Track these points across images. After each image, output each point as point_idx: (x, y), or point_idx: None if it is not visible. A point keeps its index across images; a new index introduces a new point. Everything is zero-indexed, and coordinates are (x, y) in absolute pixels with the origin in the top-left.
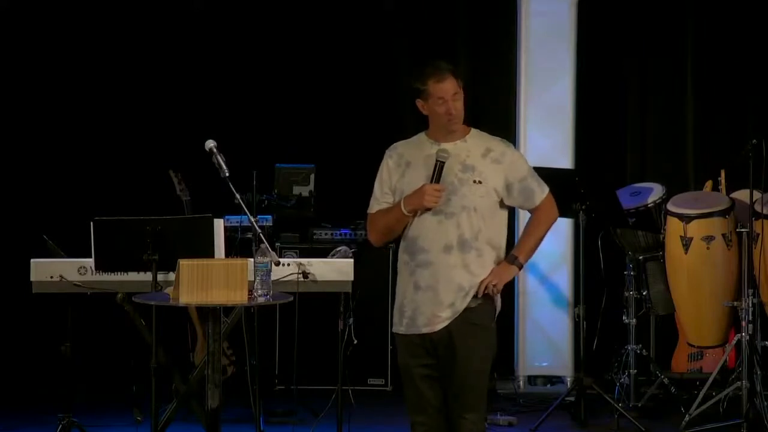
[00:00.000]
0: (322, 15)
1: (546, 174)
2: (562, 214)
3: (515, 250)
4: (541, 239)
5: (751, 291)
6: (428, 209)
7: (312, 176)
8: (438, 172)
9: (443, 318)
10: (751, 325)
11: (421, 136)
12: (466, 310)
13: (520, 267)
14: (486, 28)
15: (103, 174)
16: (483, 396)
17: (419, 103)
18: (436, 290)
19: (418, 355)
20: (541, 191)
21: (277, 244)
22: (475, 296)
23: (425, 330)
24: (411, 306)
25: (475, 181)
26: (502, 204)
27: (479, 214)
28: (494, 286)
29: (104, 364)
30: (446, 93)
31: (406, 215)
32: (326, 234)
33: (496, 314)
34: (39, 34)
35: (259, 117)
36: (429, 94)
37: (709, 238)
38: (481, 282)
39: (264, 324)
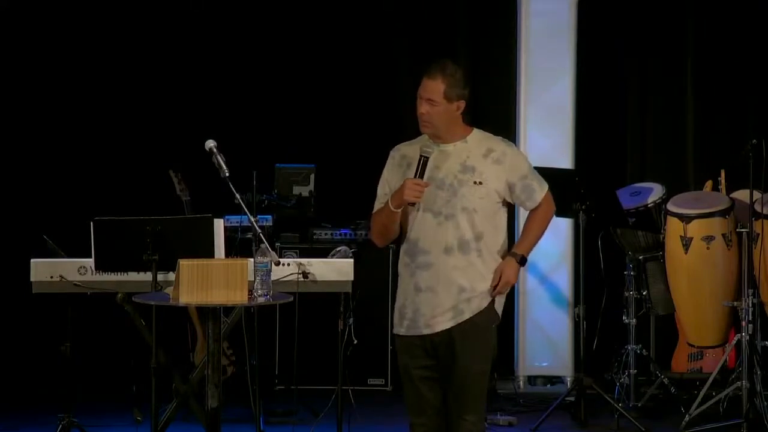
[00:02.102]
0: (322, 15)
1: (546, 174)
2: (562, 214)
3: (516, 247)
4: (541, 235)
5: (751, 291)
6: (413, 204)
7: (312, 176)
8: (422, 167)
9: (444, 320)
10: (751, 325)
11: (424, 137)
12: (469, 316)
13: (524, 262)
14: (486, 28)
15: (103, 174)
16: (483, 397)
17: None
18: (437, 292)
19: (418, 357)
20: (541, 189)
21: (277, 244)
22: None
23: (426, 331)
24: (412, 307)
25: (475, 182)
26: (503, 204)
27: (479, 216)
28: (503, 290)
29: (104, 364)
30: (423, 91)
31: (394, 211)
32: (326, 234)
33: (498, 319)
34: (39, 34)
35: (259, 117)
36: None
37: (709, 238)
38: (494, 287)
39: (264, 324)
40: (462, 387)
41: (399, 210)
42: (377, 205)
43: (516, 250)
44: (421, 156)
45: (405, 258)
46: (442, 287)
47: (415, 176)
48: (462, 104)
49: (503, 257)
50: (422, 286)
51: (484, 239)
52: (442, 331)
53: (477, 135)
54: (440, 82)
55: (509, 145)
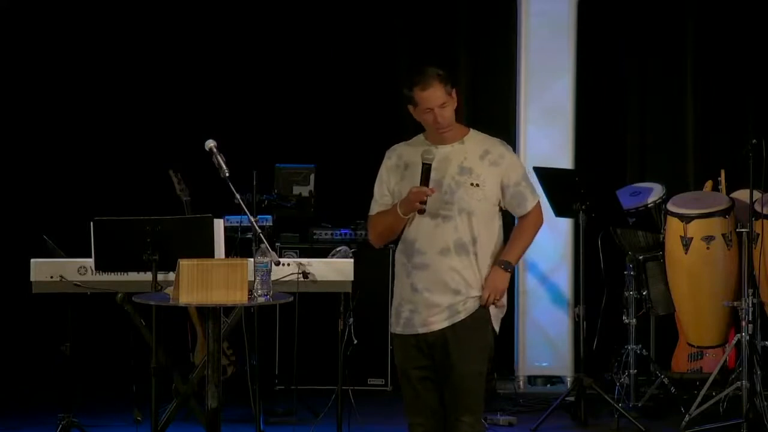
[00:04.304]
0: (322, 15)
1: (546, 174)
2: (562, 214)
3: (505, 254)
4: (529, 245)
5: (751, 291)
6: (422, 212)
7: (312, 176)
8: (425, 174)
9: (440, 320)
10: (751, 325)
11: (420, 138)
12: (464, 317)
13: (510, 269)
14: (486, 28)
15: (103, 174)
16: (480, 398)
17: (410, 108)
18: (433, 292)
19: (414, 357)
20: (533, 199)
21: (277, 244)
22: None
23: (421, 330)
24: (408, 307)
25: (472, 184)
26: (500, 208)
27: (476, 218)
28: (495, 299)
29: (104, 364)
30: (432, 102)
31: (403, 218)
32: (326, 234)
33: (501, 315)
34: (39, 34)
35: (259, 117)
36: (416, 102)
37: (709, 238)
38: (483, 299)
39: (264, 324)
40: (459, 388)
41: (407, 216)
42: (375, 207)
43: (503, 257)
44: (423, 164)
45: (401, 258)
46: (438, 288)
47: (420, 184)
48: (454, 92)
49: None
50: (418, 287)
51: (481, 241)
52: (437, 331)
53: (474, 136)
54: (438, 85)
55: (507, 148)
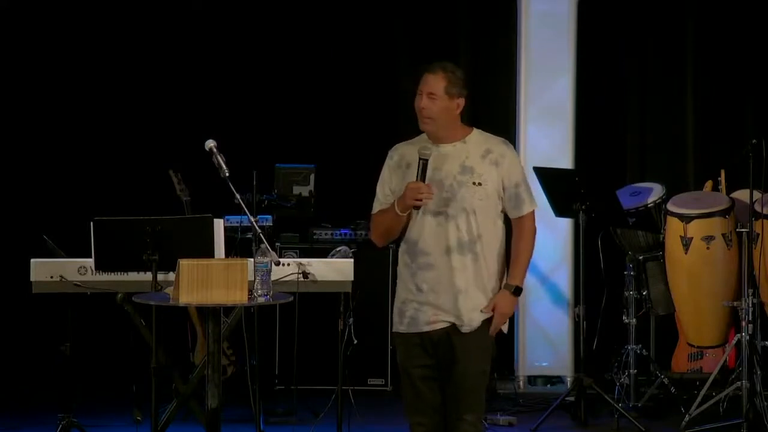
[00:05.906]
0: (322, 15)
1: (546, 174)
2: (562, 214)
3: (510, 278)
4: (530, 259)
5: (751, 291)
6: (418, 208)
7: (312, 176)
8: (421, 169)
9: (444, 318)
10: (751, 325)
11: (422, 137)
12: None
13: (519, 293)
14: (486, 28)
15: (103, 174)
16: (482, 396)
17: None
18: (438, 292)
19: (417, 356)
20: (530, 204)
21: (277, 244)
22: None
23: (426, 329)
24: (413, 306)
25: (474, 183)
26: (501, 207)
27: (478, 217)
28: (503, 323)
29: (104, 364)
30: (424, 85)
31: (401, 215)
32: (326, 234)
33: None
34: (39, 34)
35: (259, 117)
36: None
37: (709, 238)
38: (493, 328)
39: (264, 324)
40: (461, 386)
41: (405, 214)
42: (377, 206)
43: (510, 281)
44: (420, 159)
45: (405, 258)
46: (443, 288)
47: (416, 179)
48: (462, 102)
49: (501, 260)
50: (423, 287)
51: (484, 240)
52: (441, 330)
53: (476, 136)
54: (441, 77)
55: (509, 147)
